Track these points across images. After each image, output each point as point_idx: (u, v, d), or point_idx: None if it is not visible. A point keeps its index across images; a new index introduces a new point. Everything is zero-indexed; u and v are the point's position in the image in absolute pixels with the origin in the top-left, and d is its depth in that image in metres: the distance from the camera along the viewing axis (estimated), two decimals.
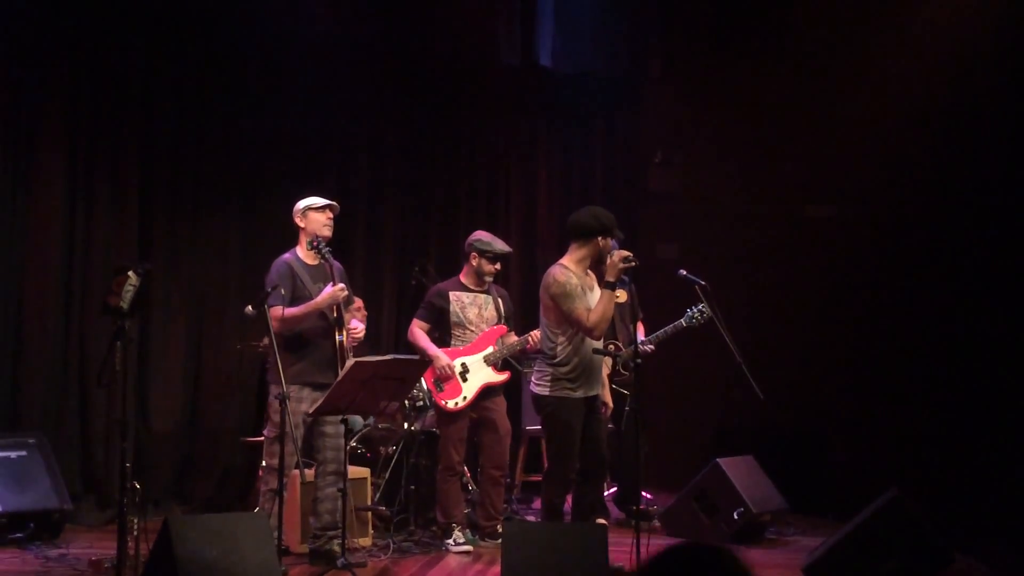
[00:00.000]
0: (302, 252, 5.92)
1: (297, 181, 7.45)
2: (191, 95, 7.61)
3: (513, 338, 6.47)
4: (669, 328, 6.62)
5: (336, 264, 5.88)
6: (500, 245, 6.50)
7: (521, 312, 7.55)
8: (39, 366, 7.03)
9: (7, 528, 6.17)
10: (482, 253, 6.42)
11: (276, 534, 5.17)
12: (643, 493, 7.07)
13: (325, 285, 5.75)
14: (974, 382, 7.49)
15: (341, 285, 5.73)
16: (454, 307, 6.43)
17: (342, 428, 5.64)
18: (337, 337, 5.73)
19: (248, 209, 7.80)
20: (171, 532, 4.63)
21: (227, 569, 4.68)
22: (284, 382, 5.30)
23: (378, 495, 6.57)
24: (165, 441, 7.39)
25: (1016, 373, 7.24)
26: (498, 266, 6.54)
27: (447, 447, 6.34)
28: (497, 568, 5.37)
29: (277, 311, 5.59)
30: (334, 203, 5.95)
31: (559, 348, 5.51)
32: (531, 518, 7.04)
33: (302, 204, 5.93)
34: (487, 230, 6.76)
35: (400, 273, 8.26)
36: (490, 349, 6.43)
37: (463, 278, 6.53)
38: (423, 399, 6.84)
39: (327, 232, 5.88)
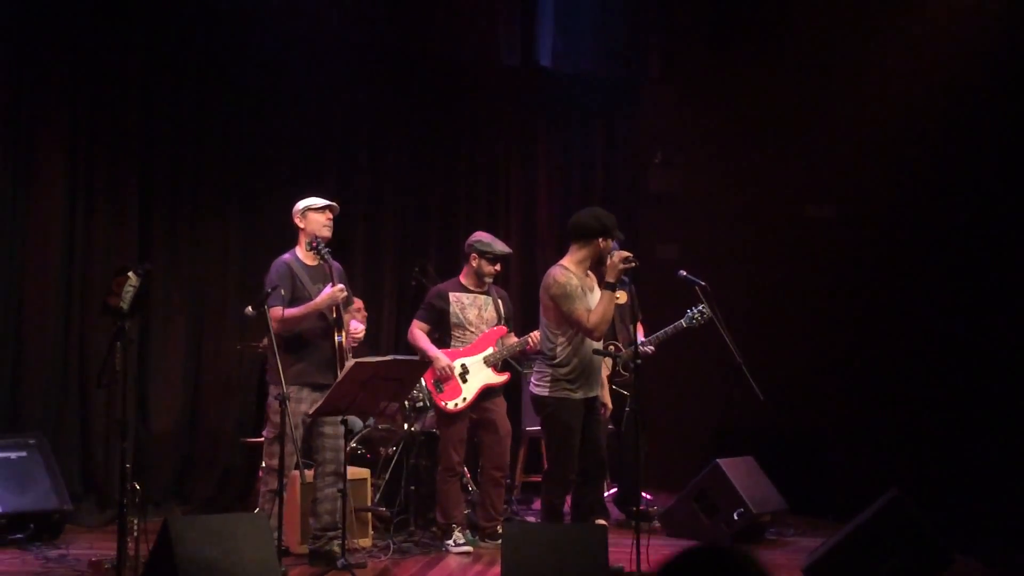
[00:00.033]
0: (301, 253, 5.91)
1: (297, 181, 7.46)
2: (191, 95, 7.61)
3: (513, 339, 6.47)
4: (669, 329, 6.62)
5: (335, 265, 5.88)
6: (500, 246, 6.50)
7: (521, 313, 7.55)
8: (39, 367, 7.03)
9: (7, 529, 6.17)
10: (482, 254, 6.42)
11: (276, 535, 5.17)
12: (643, 494, 7.07)
13: (324, 286, 5.75)
14: (974, 382, 7.49)
15: (340, 286, 5.73)
16: (454, 308, 6.43)
17: (341, 429, 5.64)
18: (336, 338, 5.73)
19: (248, 209, 7.80)
20: (171, 533, 4.63)
21: (227, 570, 4.68)
22: (284, 383, 5.30)
23: (378, 496, 6.57)
24: (165, 441, 7.38)
25: (1016, 373, 7.24)
26: (498, 267, 6.54)
27: (447, 448, 6.34)
28: (497, 569, 5.37)
29: (277, 311, 5.59)
30: (334, 204, 5.95)
31: (559, 349, 5.51)
32: (531, 519, 7.04)
33: (301, 204, 5.93)
34: (487, 231, 6.76)
35: (400, 274, 8.26)
36: (490, 350, 6.43)
37: (463, 279, 6.53)
38: (423, 400, 6.84)
39: (327, 233, 5.88)
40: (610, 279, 5.40)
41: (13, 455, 6.41)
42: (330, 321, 5.76)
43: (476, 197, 8.78)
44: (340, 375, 5.36)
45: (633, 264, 5.41)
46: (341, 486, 5.58)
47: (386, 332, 8.20)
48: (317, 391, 5.68)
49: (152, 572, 4.76)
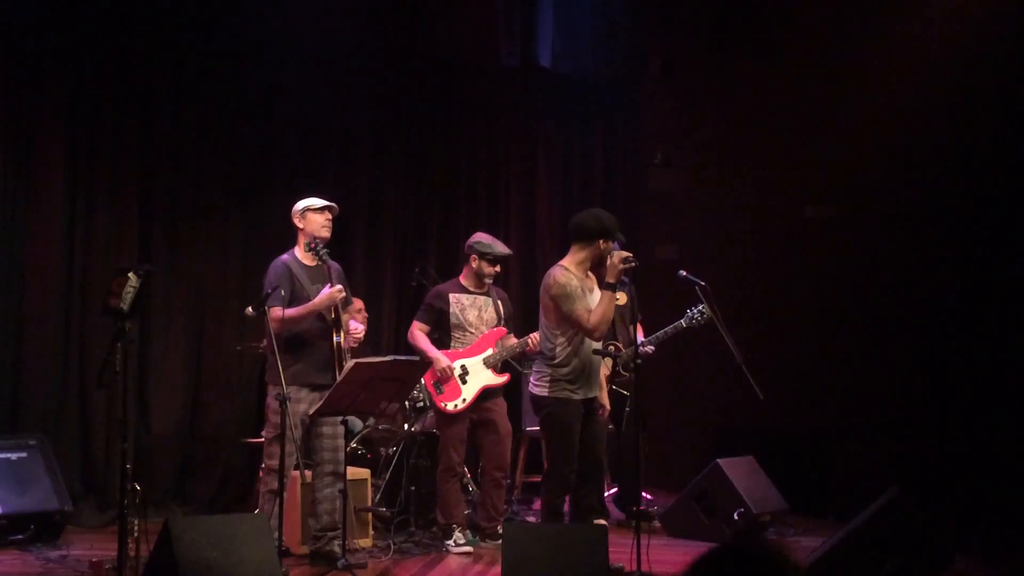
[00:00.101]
0: (300, 253, 5.91)
1: (297, 181, 7.47)
2: (191, 95, 7.61)
3: (513, 340, 6.47)
4: (669, 329, 6.62)
5: (334, 265, 5.88)
6: (500, 247, 6.50)
7: (521, 314, 7.56)
8: (39, 367, 7.03)
9: (8, 530, 6.17)
10: (482, 255, 6.42)
11: (276, 535, 5.17)
12: (643, 494, 7.07)
13: (323, 286, 5.75)
14: (974, 382, 7.49)
15: (339, 286, 5.73)
16: (454, 309, 6.43)
17: (340, 429, 5.65)
18: (335, 338, 5.72)
19: (248, 209, 7.80)
20: (172, 533, 4.63)
21: (227, 570, 4.68)
22: (284, 383, 5.31)
23: (378, 496, 6.58)
24: (165, 442, 7.38)
25: (1016, 373, 7.25)
26: (498, 268, 6.54)
27: (447, 448, 6.35)
28: (497, 569, 5.38)
29: (277, 312, 5.59)
30: (333, 204, 5.95)
31: (558, 349, 5.51)
32: (531, 519, 7.04)
33: (301, 205, 5.93)
34: (487, 231, 6.77)
35: (400, 274, 8.27)
36: (490, 351, 6.43)
37: (463, 280, 6.53)
38: (423, 400, 6.84)
39: (326, 233, 5.88)
40: (610, 279, 5.40)
41: (13, 456, 6.41)
42: (329, 322, 5.75)
43: (476, 197, 8.79)
44: (340, 376, 5.36)
45: (633, 264, 5.41)
46: (341, 486, 5.58)
47: (386, 333, 8.20)
48: (315, 391, 5.68)
49: (153, 573, 4.75)
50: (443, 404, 6.34)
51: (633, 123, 9.36)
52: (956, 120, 7.74)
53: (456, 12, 8.28)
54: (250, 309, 5.53)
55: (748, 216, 8.81)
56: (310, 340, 5.77)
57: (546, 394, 5.54)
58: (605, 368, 6.07)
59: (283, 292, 5.67)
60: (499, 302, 6.58)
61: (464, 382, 6.35)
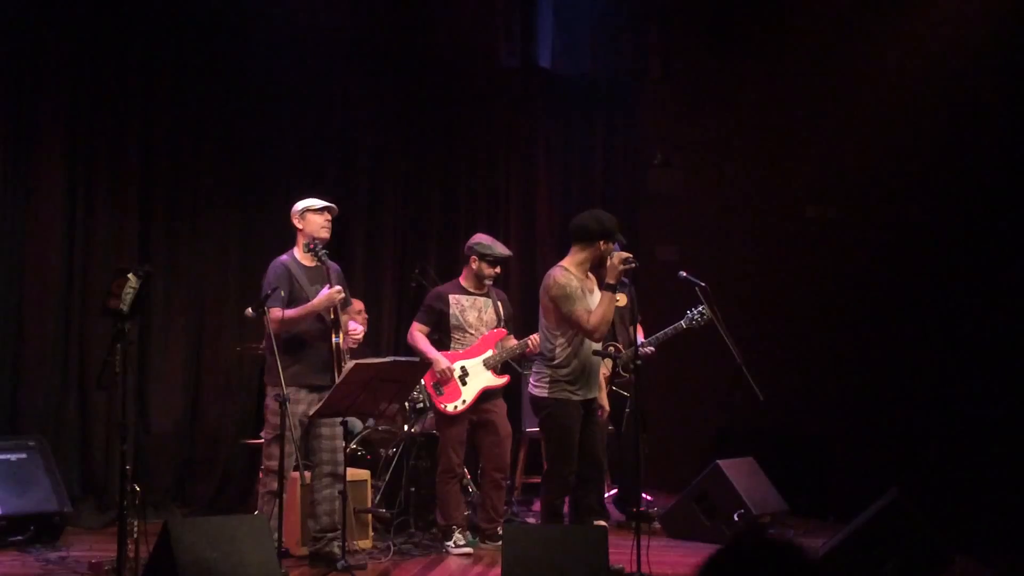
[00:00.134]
0: (299, 254, 5.91)
1: (297, 182, 7.47)
2: (191, 96, 7.61)
3: (513, 341, 6.46)
4: (669, 330, 6.62)
5: (333, 266, 5.88)
6: (500, 249, 6.50)
7: (521, 315, 7.55)
8: (39, 368, 7.03)
9: (7, 531, 6.16)
10: (482, 256, 6.41)
11: (276, 536, 5.17)
12: (643, 495, 7.07)
13: (322, 287, 5.74)
14: (974, 382, 7.49)
15: (338, 287, 5.72)
16: (454, 310, 6.43)
17: (338, 430, 5.65)
18: (334, 339, 5.72)
19: (248, 210, 7.80)
20: (171, 535, 4.63)
21: (227, 572, 4.68)
22: (284, 384, 5.30)
23: (378, 497, 6.57)
24: (165, 443, 7.38)
25: (1016, 373, 7.24)
26: (498, 269, 6.54)
27: (446, 449, 6.34)
28: (497, 570, 5.37)
29: (277, 312, 5.58)
30: (332, 205, 5.94)
31: (558, 350, 5.51)
32: (531, 520, 7.04)
33: (300, 206, 5.92)
34: (487, 232, 6.76)
35: (400, 275, 8.26)
36: (490, 352, 6.43)
37: (463, 281, 6.53)
38: (423, 401, 6.83)
39: (325, 234, 5.87)
40: (610, 280, 5.40)
41: (13, 457, 6.40)
42: (328, 323, 5.75)
43: (476, 198, 8.78)
44: (340, 377, 5.35)
45: (633, 265, 5.41)
46: (340, 487, 5.58)
47: (386, 334, 8.19)
48: (314, 392, 5.68)
49: (152, 574, 4.75)
50: (443, 405, 6.33)
51: (633, 123, 9.35)
52: (956, 120, 7.74)
53: (456, 12, 8.28)
54: (250, 310, 5.53)
55: (748, 216, 8.80)
56: (309, 341, 5.76)
57: (545, 395, 5.53)
58: (605, 369, 6.06)
59: (282, 293, 5.67)
60: (499, 303, 6.58)
61: (464, 383, 6.34)
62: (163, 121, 7.53)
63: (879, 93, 8.13)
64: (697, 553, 6.29)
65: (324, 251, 5.77)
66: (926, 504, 5.57)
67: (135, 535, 5.07)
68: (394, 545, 6.18)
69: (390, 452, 6.82)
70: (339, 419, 5.60)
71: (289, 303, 5.70)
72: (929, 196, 7.88)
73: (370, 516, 6.36)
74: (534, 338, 6.03)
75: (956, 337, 7.68)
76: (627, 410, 6.91)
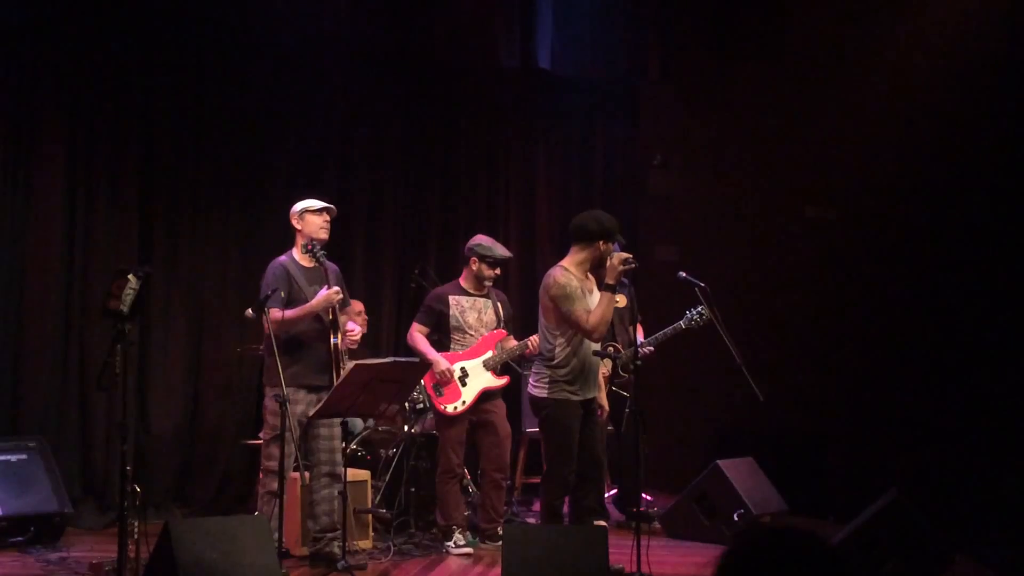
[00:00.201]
0: (298, 254, 5.91)
1: (297, 182, 7.47)
2: (191, 96, 7.61)
3: (512, 342, 6.46)
4: (668, 330, 6.62)
5: (331, 266, 5.88)
6: (500, 250, 6.49)
7: (520, 316, 7.55)
8: (39, 369, 7.03)
9: (8, 532, 6.17)
10: (482, 258, 6.41)
11: (276, 537, 5.17)
12: (643, 495, 7.07)
13: (321, 288, 5.75)
14: (973, 382, 7.50)
15: (336, 288, 5.73)
16: (453, 311, 6.43)
17: (337, 431, 5.65)
18: (332, 340, 5.72)
19: (248, 211, 7.80)
20: (171, 535, 4.64)
21: (228, 572, 4.68)
22: (283, 384, 5.31)
23: (378, 498, 6.57)
24: (165, 444, 7.38)
25: (1015, 373, 7.25)
26: (498, 271, 6.54)
27: (446, 450, 6.34)
28: (497, 570, 5.38)
29: (276, 313, 5.59)
30: (331, 206, 5.95)
31: (558, 350, 5.51)
32: (531, 520, 7.04)
33: (299, 206, 5.93)
34: (486, 233, 6.76)
35: (400, 276, 8.26)
36: (489, 353, 6.43)
37: (463, 282, 6.53)
38: (423, 401, 6.83)
39: (323, 235, 5.88)
40: (610, 280, 5.40)
41: (13, 458, 6.41)
42: (326, 323, 5.75)
43: (475, 199, 8.78)
44: (340, 377, 5.36)
45: (633, 266, 5.41)
46: (340, 488, 5.58)
47: (386, 334, 8.19)
48: (312, 393, 5.69)
49: (152, 575, 4.76)
50: (443, 406, 6.34)
51: (632, 124, 9.34)
52: (956, 120, 7.75)
53: (455, 13, 8.29)
54: (250, 311, 5.53)
55: (747, 217, 8.80)
56: (307, 342, 5.76)
57: (545, 395, 5.53)
58: (605, 369, 6.07)
59: (282, 294, 5.67)
60: (499, 304, 6.58)
61: (464, 384, 6.34)
62: (163, 122, 7.53)
63: (879, 93, 8.13)
64: (697, 553, 6.30)
65: (322, 252, 5.77)
66: (926, 504, 5.57)
67: (135, 536, 5.07)
68: (394, 545, 6.18)
69: (390, 452, 6.82)
70: (338, 419, 5.60)
71: (288, 304, 5.70)
72: (929, 196, 7.88)
73: (370, 516, 6.36)
74: (534, 339, 6.02)
75: (956, 337, 7.69)
76: (627, 410, 6.91)
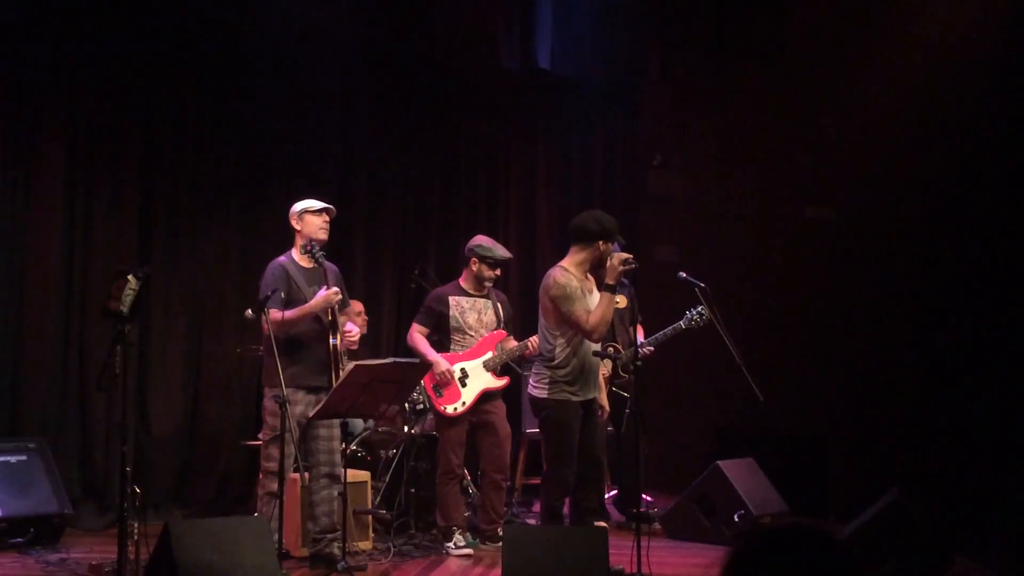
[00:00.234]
0: (297, 255, 5.91)
1: (297, 183, 7.45)
2: (192, 97, 7.60)
3: (512, 343, 6.46)
4: (668, 330, 6.62)
5: (331, 267, 5.87)
6: (501, 251, 6.49)
7: (520, 316, 7.55)
8: (39, 370, 7.02)
9: (7, 533, 6.16)
10: (482, 259, 6.41)
11: (276, 538, 5.17)
12: (644, 496, 7.07)
13: (320, 288, 5.74)
14: (974, 383, 7.50)
15: (335, 289, 5.72)
16: (453, 312, 6.42)
17: (336, 431, 5.65)
18: (331, 340, 5.72)
19: (248, 212, 7.79)
20: (171, 536, 4.64)
21: (227, 573, 4.68)
22: (283, 385, 5.30)
23: (378, 499, 6.57)
24: (165, 445, 7.37)
25: (1015, 374, 7.25)
26: (498, 272, 6.53)
27: (446, 451, 6.34)
28: (497, 571, 5.38)
29: (276, 314, 5.58)
30: (330, 207, 5.94)
31: (557, 350, 5.51)
32: (531, 521, 7.04)
33: (298, 207, 5.92)
34: (486, 234, 6.76)
35: (400, 277, 8.26)
36: (489, 354, 6.42)
37: (463, 283, 6.52)
38: (423, 402, 6.83)
39: (323, 236, 5.87)
40: (610, 280, 5.40)
41: (13, 459, 6.40)
42: (325, 324, 5.75)
43: (475, 200, 8.78)
44: (340, 378, 5.35)
45: (633, 266, 5.41)
46: (339, 488, 5.58)
47: (386, 335, 8.19)
48: (312, 394, 5.68)
49: None
50: (442, 407, 6.33)
51: (632, 125, 9.35)
52: (956, 121, 7.76)
53: (455, 13, 8.27)
54: (249, 312, 5.53)
55: (747, 217, 8.81)
56: (306, 342, 5.76)
57: (545, 396, 5.53)
58: (605, 370, 6.06)
59: (281, 294, 5.67)
60: (499, 305, 6.57)
61: (464, 385, 6.34)
62: (163, 122, 7.53)
63: (878, 94, 8.13)
64: (698, 554, 6.30)
65: (321, 252, 5.76)
66: (926, 504, 5.57)
67: (135, 537, 5.07)
68: (394, 546, 6.18)
69: (390, 453, 6.82)
70: (338, 420, 5.60)
71: (287, 304, 5.69)
72: (929, 196, 7.88)
73: (370, 517, 6.36)
74: (534, 340, 6.01)
75: (956, 337, 7.69)
76: (627, 411, 6.91)
